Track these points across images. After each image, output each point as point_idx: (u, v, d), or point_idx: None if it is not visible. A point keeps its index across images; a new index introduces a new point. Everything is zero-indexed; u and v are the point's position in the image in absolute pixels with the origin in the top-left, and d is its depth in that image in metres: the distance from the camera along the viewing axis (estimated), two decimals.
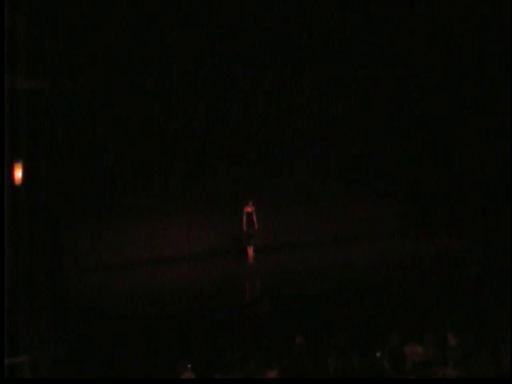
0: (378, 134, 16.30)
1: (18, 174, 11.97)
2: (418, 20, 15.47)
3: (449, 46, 15.52)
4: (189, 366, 7.61)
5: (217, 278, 13.21)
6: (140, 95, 14.55)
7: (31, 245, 11.91)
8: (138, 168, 14.70)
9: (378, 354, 6.99)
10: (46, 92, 12.29)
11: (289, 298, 11.37)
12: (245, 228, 14.58)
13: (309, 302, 10.96)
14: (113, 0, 13.80)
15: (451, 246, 14.69)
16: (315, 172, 15.84)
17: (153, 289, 12.74)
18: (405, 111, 16.40)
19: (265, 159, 15.47)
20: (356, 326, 9.23)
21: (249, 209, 14.57)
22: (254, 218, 14.57)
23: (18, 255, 11.14)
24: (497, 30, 14.56)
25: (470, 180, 15.64)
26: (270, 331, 9.79)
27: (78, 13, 13.30)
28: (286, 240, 15.37)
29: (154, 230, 14.81)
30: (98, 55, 13.98)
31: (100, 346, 9.53)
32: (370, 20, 15.41)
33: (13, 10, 10.18)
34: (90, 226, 14.35)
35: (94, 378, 8.21)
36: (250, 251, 14.67)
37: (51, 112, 12.95)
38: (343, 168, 16.12)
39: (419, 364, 6.55)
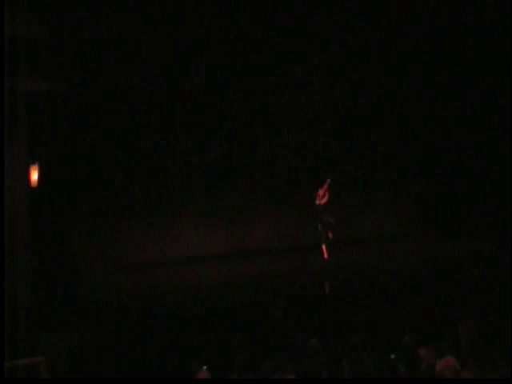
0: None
1: (34, 176, 12.15)
2: None
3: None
4: (204, 367, 7.63)
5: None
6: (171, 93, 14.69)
7: (48, 245, 12.06)
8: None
9: (392, 356, 6.96)
10: (61, 94, 12.42)
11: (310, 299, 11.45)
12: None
13: (324, 302, 10.98)
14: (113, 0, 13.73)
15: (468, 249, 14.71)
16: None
17: (179, 288, 12.76)
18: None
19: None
20: (370, 327, 9.20)
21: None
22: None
23: (35, 255, 11.29)
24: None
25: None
26: (284, 332, 9.80)
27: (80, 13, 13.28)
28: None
29: (195, 229, 15.18)
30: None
31: (113, 345, 9.54)
32: None
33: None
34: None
35: (105, 378, 8.20)
36: (324, 248, 14.82)
37: (68, 115, 13.10)
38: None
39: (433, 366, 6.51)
